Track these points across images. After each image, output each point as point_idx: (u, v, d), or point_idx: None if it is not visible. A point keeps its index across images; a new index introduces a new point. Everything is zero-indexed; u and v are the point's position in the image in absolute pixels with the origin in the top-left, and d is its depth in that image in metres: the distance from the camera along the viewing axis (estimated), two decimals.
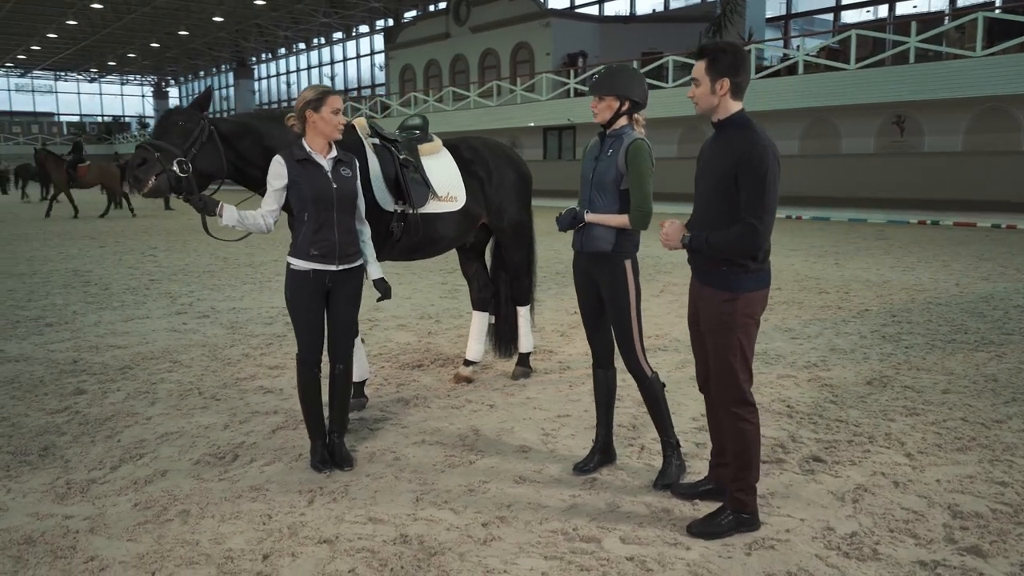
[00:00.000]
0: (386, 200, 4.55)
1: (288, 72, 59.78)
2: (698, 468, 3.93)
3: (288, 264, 3.83)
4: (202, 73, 70.01)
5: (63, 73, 70.17)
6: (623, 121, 3.72)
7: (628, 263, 3.73)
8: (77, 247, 14.35)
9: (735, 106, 3.13)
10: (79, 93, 73.30)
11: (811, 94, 21.16)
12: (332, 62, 54.94)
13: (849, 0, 28.17)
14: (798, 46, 23.08)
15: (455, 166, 4.99)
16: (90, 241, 15.45)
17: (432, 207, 4.77)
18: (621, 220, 3.64)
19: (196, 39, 54.19)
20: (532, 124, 30.14)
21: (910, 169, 20.63)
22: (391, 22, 46.60)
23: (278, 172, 3.76)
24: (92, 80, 72.61)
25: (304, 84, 57.31)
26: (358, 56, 52.68)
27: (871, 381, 5.49)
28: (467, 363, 5.57)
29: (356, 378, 4.88)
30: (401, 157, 4.64)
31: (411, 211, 4.64)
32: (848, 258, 12.09)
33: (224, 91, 66.66)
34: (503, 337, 5.69)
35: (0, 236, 16.34)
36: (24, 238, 15.87)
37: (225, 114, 62.09)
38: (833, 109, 21.83)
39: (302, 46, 57.02)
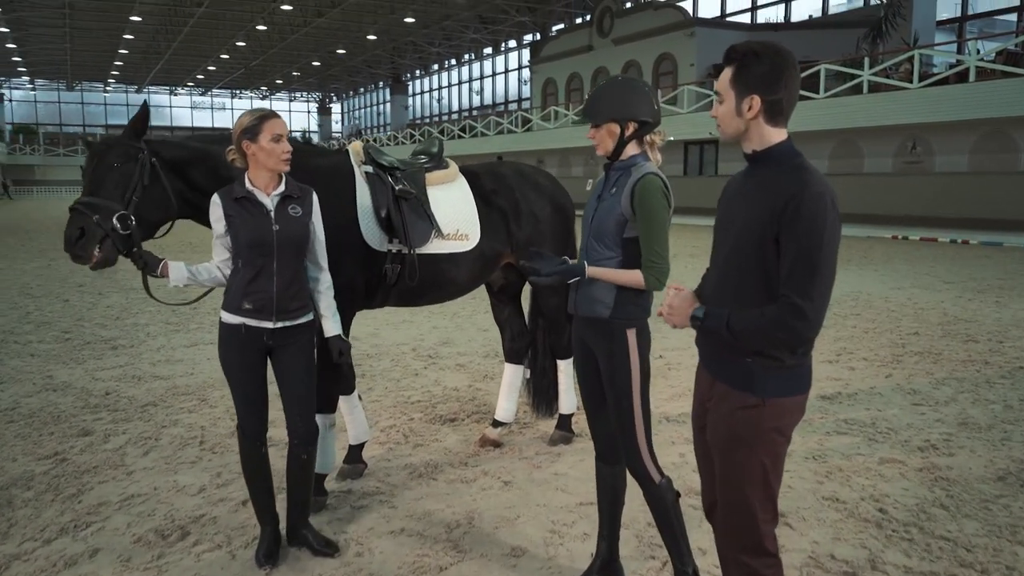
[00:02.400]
0: (377, 238, 3.87)
1: (440, 88, 61.03)
2: None
3: (220, 318, 3.23)
4: (362, 89, 72.96)
5: (238, 92, 75.20)
6: (632, 149, 2.87)
7: (632, 333, 2.85)
8: (199, 256, 14.67)
9: (775, 135, 2.20)
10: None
11: (985, 103, 18.74)
12: (481, 77, 55.52)
13: None
14: (976, 49, 20.55)
15: (471, 198, 4.25)
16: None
17: (436, 247, 4.04)
18: (632, 277, 2.78)
19: (354, 57, 56.38)
20: (672, 138, 28.78)
21: None
22: (538, 36, 46.47)
23: (215, 215, 3.17)
24: (263, 97, 77.31)
25: (454, 100, 58.36)
26: (506, 71, 52.93)
27: (1004, 477, 4.24)
28: (496, 424, 4.80)
29: (352, 440, 4.24)
30: (398, 188, 3.95)
31: (408, 251, 3.94)
32: (1014, 296, 10.29)
33: (380, 107, 69.11)
34: (541, 394, 4.88)
35: None
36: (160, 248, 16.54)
37: (382, 130, 64.48)
38: (1012, 120, 19.22)
39: (453, 62, 58.05)
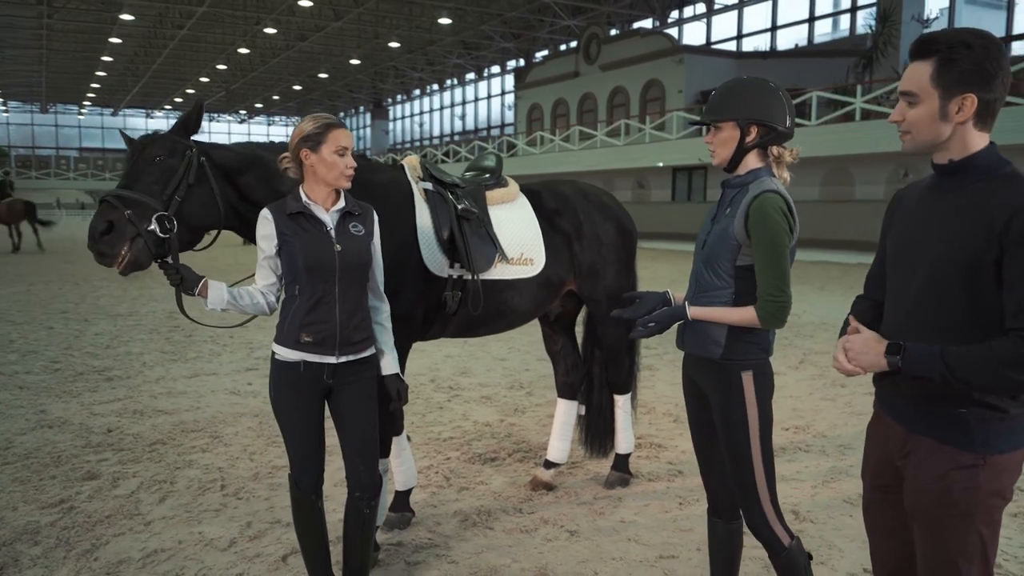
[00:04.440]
0: (438, 263, 3.48)
1: (422, 112, 60.83)
2: None
3: (273, 353, 2.82)
4: (342, 114, 72.61)
5: (216, 115, 74.51)
6: (754, 161, 2.51)
7: (748, 376, 2.47)
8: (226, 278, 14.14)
9: (981, 140, 1.85)
10: (230, 134, 77.53)
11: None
12: (464, 102, 55.45)
13: (1022, 30, 25.40)
14: None
15: (534, 219, 3.88)
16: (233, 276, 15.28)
17: (499, 272, 3.66)
18: (743, 316, 2.40)
19: (336, 81, 56.04)
20: (660, 164, 28.76)
21: None
22: (522, 62, 46.51)
23: (265, 232, 2.76)
24: (242, 121, 76.68)
25: (436, 125, 58.18)
26: (489, 96, 52.88)
27: None
28: (548, 465, 4.39)
29: (400, 486, 3.82)
30: (460, 207, 3.57)
31: (471, 277, 3.56)
32: None
33: (360, 131, 68.74)
34: (596, 432, 4.49)
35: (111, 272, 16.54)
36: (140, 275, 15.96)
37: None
38: (1012, 147, 19.30)
39: (435, 87, 57.95)
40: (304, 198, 2.77)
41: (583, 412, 4.48)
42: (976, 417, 1.80)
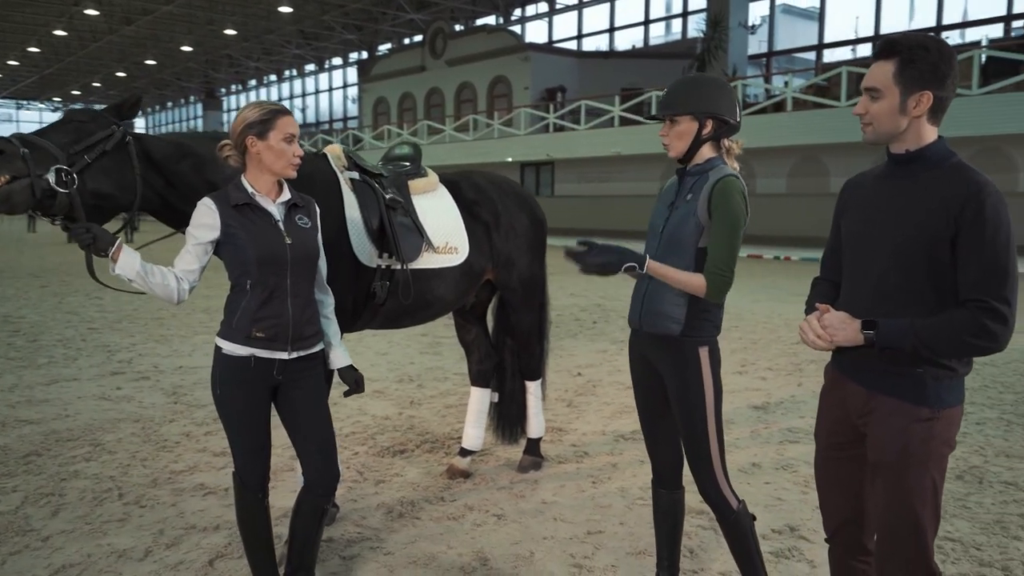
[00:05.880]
0: (368, 253, 3.44)
1: None
2: None
3: (217, 348, 2.70)
4: (170, 104, 68.56)
5: (25, 102, 68.32)
6: (707, 152, 2.68)
7: (704, 351, 2.66)
8: (15, 287, 12.98)
9: (932, 133, 2.09)
10: (41, 123, 71.27)
11: (800, 131, 20.55)
12: (304, 94, 53.86)
13: (832, 39, 27.84)
14: (786, 82, 22.57)
15: (455, 208, 3.91)
16: (32, 280, 14.08)
17: (426, 261, 3.67)
18: (692, 280, 2.55)
19: (165, 69, 52.81)
20: (510, 159, 29.26)
21: None
22: (365, 55, 45.76)
23: (206, 221, 2.61)
24: (55, 110, 70.58)
25: None
26: (331, 88, 51.66)
27: (961, 475, 4.45)
28: (464, 452, 4.44)
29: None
30: (388, 197, 3.55)
31: (399, 267, 3.55)
32: None
33: (192, 123, 65.16)
34: (508, 419, 4.58)
35: None
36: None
37: None
38: (823, 147, 21.19)
39: (273, 78, 55.90)
40: (249, 188, 2.67)
41: (496, 400, 4.56)
42: (931, 376, 2.04)
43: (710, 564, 3.37)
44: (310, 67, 52.20)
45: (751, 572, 2.73)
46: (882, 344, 2.01)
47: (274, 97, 56.30)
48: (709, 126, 2.63)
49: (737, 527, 2.71)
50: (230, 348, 2.65)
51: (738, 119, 2.66)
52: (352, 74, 48.52)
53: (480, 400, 4.47)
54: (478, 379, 4.48)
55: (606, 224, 23.21)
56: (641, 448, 4.89)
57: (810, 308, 2.28)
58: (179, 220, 3.06)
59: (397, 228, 3.51)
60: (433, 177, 3.94)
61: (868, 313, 2.08)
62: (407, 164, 3.90)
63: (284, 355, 2.68)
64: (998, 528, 3.73)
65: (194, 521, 3.79)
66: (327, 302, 2.91)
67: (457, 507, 3.99)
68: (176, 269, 2.61)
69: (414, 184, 3.79)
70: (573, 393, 6.30)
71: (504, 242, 4.11)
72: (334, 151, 3.58)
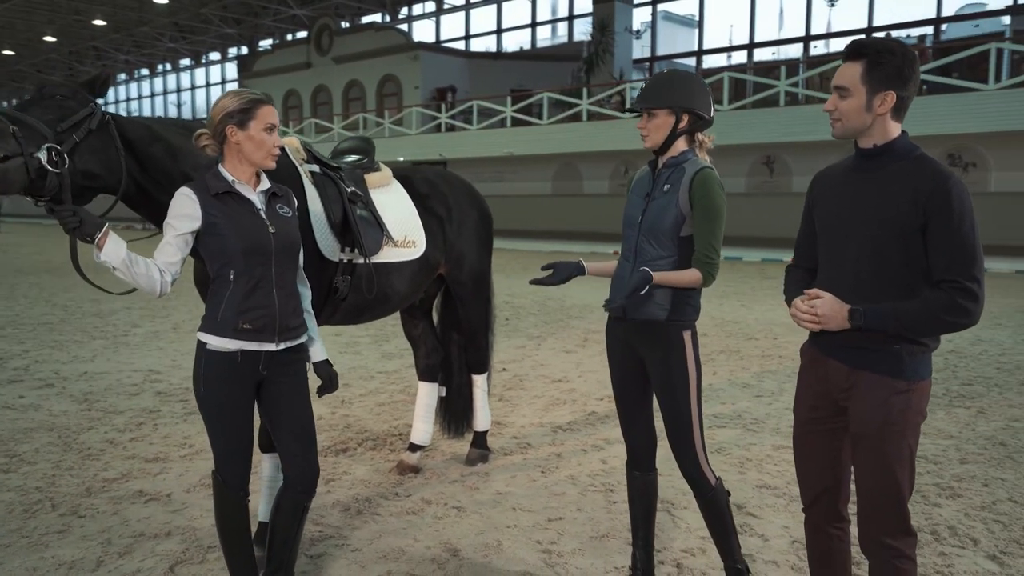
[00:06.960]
0: (331, 247, 3.40)
1: (128, 99, 55.58)
2: None
3: (201, 344, 2.62)
4: (27, 97, 64.06)
5: None
6: (682, 144, 2.82)
7: (687, 335, 2.80)
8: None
9: (896, 129, 2.28)
10: None
11: None
12: (179, 90, 51.58)
13: (711, 45, 29.11)
14: None
15: (411, 202, 3.91)
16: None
17: (386, 255, 3.65)
18: (691, 277, 2.71)
19: (23, 60, 49.36)
20: (402, 159, 29.04)
21: (781, 208, 21.15)
22: (245, 50, 44.28)
23: (187, 212, 2.54)
24: None
25: (147, 112, 53.46)
26: (207, 84, 49.67)
27: None
28: (413, 448, 4.44)
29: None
30: (349, 190, 3.52)
31: (361, 261, 3.52)
32: (750, 299, 11.74)
33: None
34: (455, 413, 4.61)
35: None
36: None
37: None
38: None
39: (145, 72, 53.26)
40: (229, 177, 2.60)
41: (444, 394, 4.58)
42: (907, 352, 2.24)
43: (670, 543, 3.52)
44: (185, 61, 50.05)
45: (727, 544, 2.89)
46: (866, 327, 2.20)
47: (146, 92, 53.73)
48: (685, 120, 2.77)
49: (715, 503, 2.86)
50: (216, 343, 2.58)
51: (712, 115, 2.81)
52: (231, 69, 46.84)
53: (428, 395, 4.47)
54: (426, 374, 4.49)
55: (501, 224, 23.35)
56: (583, 438, 5.02)
57: (791, 295, 2.45)
58: (151, 207, 2.95)
59: (359, 222, 3.49)
60: (387, 171, 3.93)
61: (846, 297, 2.26)
62: (360, 157, 3.87)
63: (272, 346, 2.63)
64: (919, 497, 4.06)
65: (141, 528, 3.63)
66: (306, 294, 2.86)
67: (414, 501, 3.99)
68: (158, 261, 2.52)
69: (370, 178, 3.77)
70: (502, 388, 6.37)
71: (456, 236, 4.15)
72: (292, 144, 3.51)
